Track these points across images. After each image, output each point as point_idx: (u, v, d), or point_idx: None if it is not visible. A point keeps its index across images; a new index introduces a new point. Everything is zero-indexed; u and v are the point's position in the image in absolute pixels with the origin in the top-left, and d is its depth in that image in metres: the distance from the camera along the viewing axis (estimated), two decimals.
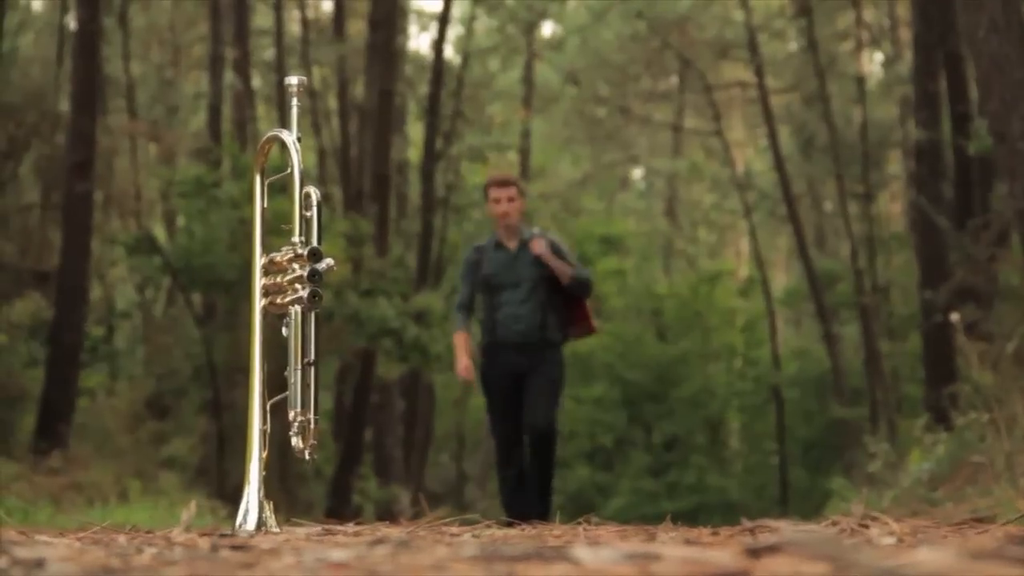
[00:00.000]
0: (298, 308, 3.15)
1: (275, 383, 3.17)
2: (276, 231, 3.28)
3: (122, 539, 2.24)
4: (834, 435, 23.42)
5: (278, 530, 2.97)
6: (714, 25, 25.24)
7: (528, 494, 6.76)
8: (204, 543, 1.95)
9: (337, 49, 20.69)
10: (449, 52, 24.04)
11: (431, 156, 21.44)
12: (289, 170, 3.25)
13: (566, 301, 7.16)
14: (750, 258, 28.77)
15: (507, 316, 7.03)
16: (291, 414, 3.15)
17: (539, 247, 7.02)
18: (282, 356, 3.19)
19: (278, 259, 3.19)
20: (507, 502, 6.77)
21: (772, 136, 22.70)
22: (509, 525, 5.52)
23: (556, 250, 7.12)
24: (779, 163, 22.34)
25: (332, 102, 23.26)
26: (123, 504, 10.38)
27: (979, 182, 13.47)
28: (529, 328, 7.01)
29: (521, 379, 6.96)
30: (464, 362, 7.00)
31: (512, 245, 7.15)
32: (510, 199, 7.14)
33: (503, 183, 7.20)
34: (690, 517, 17.63)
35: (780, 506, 22.96)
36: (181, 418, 16.44)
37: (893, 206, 26.23)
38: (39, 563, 1.35)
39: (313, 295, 3.13)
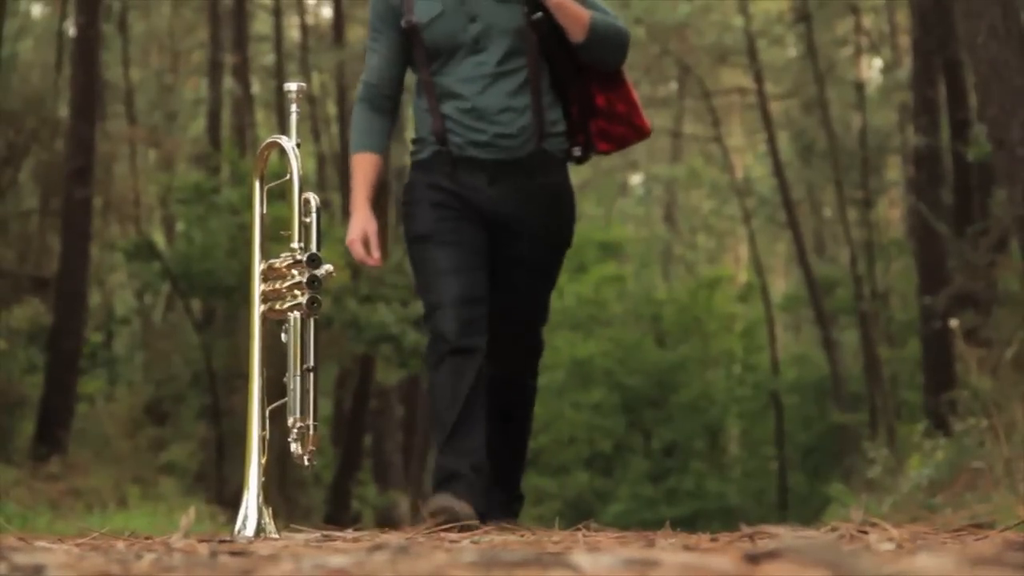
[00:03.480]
0: (297, 314, 3.15)
1: (274, 389, 3.17)
2: (275, 237, 3.28)
3: (121, 545, 2.24)
4: (833, 441, 23.40)
5: (277, 536, 2.97)
6: (713, 31, 25.24)
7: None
8: (203, 549, 1.95)
9: (336, 55, 20.69)
10: None
11: None
12: (288, 176, 3.25)
13: (584, 78, 3.94)
14: (749, 264, 28.76)
15: (464, 112, 3.81)
16: (290, 420, 3.15)
17: None
18: (281, 362, 3.19)
19: (277, 265, 3.19)
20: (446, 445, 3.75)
21: (771, 142, 22.70)
22: (442, 487, 3.67)
23: None
24: (778, 169, 22.34)
25: (331, 108, 23.27)
26: (122, 510, 10.37)
27: (978, 188, 13.47)
28: (511, 132, 3.80)
29: (493, 229, 3.85)
30: (360, 223, 3.88)
31: None
32: None
33: None
34: (689, 523, 17.63)
35: (779, 512, 22.94)
36: (180, 424, 16.43)
37: (892, 212, 26.23)
38: (38, 569, 1.35)
39: (312, 301, 3.13)
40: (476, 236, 3.83)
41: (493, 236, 3.87)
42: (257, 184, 3.30)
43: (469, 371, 3.71)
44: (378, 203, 18.25)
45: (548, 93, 3.87)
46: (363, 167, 3.90)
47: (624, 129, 4.01)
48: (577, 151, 3.97)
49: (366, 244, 3.93)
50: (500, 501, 3.93)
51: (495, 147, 3.80)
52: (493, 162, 3.81)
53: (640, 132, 4.01)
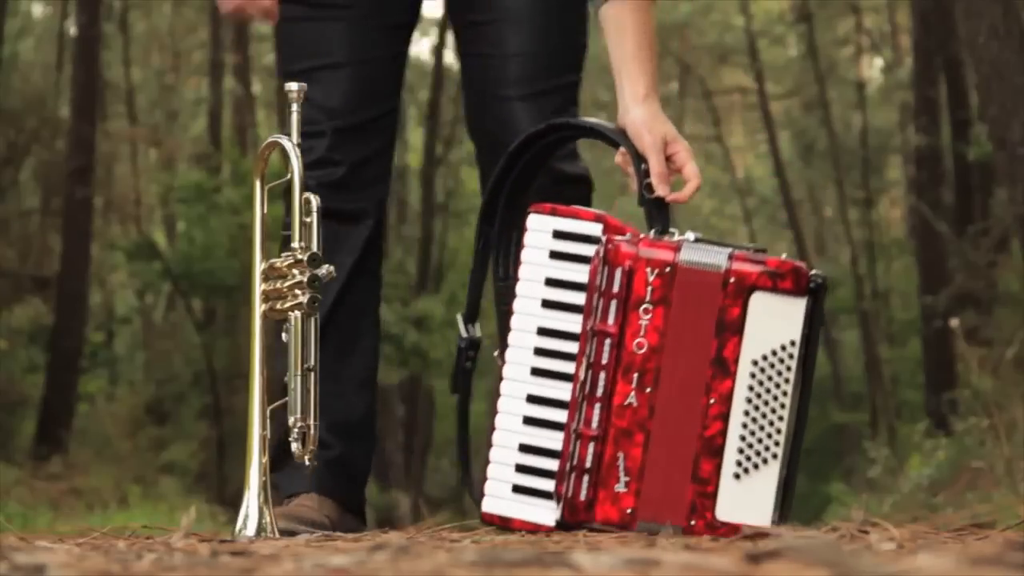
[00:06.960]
0: (298, 314, 3.15)
1: (275, 389, 3.17)
2: (276, 237, 3.28)
3: (122, 545, 2.24)
4: (834, 440, 23.40)
5: (278, 536, 2.97)
6: (714, 31, 25.24)
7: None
8: (204, 549, 1.95)
9: None
10: (449, 57, 24.07)
11: (431, 161, 21.45)
12: (289, 176, 3.25)
13: None
14: None
15: None
16: (291, 420, 3.16)
17: None
18: (282, 362, 3.19)
19: (278, 265, 3.19)
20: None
21: (772, 141, 22.71)
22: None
23: None
24: (779, 168, 22.35)
25: None
26: (123, 509, 10.37)
27: (979, 188, 13.47)
28: None
29: None
30: None
31: None
32: None
33: None
34: None
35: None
36: (181, 423, 16.44)
37: (893, 212, 26.23)
38: (39, 569, 1.35)
39: (313, 301, 3.13)
40: None
41: None
42: (258, 184, 3.30)
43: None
44: None
45: None
46: None
47: None
48: None
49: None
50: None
51: None
52: None
53: None
